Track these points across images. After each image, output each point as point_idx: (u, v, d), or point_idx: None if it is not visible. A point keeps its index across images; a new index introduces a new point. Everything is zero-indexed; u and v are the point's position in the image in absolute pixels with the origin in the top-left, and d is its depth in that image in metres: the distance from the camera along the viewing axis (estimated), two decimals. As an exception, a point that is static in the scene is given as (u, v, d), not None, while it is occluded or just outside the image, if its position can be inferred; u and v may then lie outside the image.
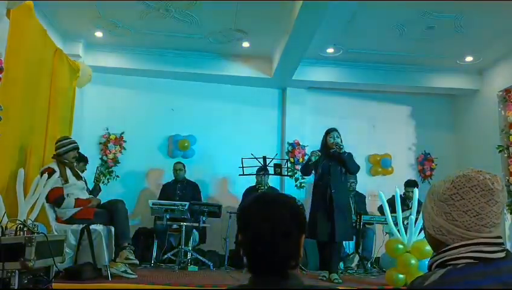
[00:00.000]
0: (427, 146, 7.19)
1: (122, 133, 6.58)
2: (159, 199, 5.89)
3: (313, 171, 4.68)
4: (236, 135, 6.67)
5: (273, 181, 6.28)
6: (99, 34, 5.84)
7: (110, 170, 6.44)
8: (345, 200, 4.63)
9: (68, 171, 4.19)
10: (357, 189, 6.12)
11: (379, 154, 7.05)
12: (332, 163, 4.54)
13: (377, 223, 5.58)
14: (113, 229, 4.16)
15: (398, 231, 4.19)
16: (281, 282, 1.15)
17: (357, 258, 5.52)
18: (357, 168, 4.73)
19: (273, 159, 5.36)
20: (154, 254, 5.29)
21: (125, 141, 6.58)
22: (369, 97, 7.19)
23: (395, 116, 7.26)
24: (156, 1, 4.95)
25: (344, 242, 5.57)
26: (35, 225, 2.71)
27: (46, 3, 4.91)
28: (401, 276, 3.97)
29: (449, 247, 1.09)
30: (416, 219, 4.12)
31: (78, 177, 4.29)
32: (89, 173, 5.31)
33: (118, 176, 6.47)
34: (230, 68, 6.55)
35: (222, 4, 4.96)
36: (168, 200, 5.50)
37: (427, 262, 1.19)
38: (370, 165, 7.10)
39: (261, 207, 1.21)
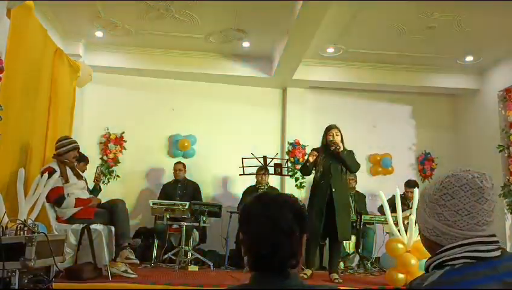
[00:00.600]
0: (428, 146, 7.20)
1: (123, 133, 6.59)
2: (159, 198, 5.89)
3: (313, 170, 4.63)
4: (236, 135, 6.67)
5: (273, 181, 6.29)
6: (99, 34, 5.85)
7: (110, 169, 6.44)
8: (345, 199, 4.60)
9: (69, 171, 4.20)
10: (357, 189, 6.12)
11: (379, 154, 7.05)
12: (332, 161, 4.48)
13: (377, 222, 5.57)
14: (113, 228, 4.16)
15: (399, 230, 4.19)
16: (282, 281, 1.16)
17: (357, 257, 5.53)
18: (357, 166, 4.63)
19: (273, 158, 5.36)
20: (155, 254, 5.29)
21: (125, 141, 6.58)
22: (369, 97, 7.19)
23: (396, 116, 7.26)
24: (156, 1, 4.95)
25: (344, 242, 5.58)
26: (35, 225, 2.71)
27: (46, 3, 4.92)
28: (401, 276, 3.97)
29: (445, 248, 1.10)
30: (416, 219, 4.11)
31: (79, 177, 4.30)
32: (89, 172, 5.32)
33: (118, 176, 6.47)
34: (231, 68, 6.55)
35: (222, 4, 4.96)
36: (169, 200, 5.50)
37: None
38: (370, 164, 7.10)
39: (263, 206, 1.21)
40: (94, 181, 4.77)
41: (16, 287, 2.29)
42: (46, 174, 3.71)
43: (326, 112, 6.84)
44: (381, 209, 5.33)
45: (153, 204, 5.21)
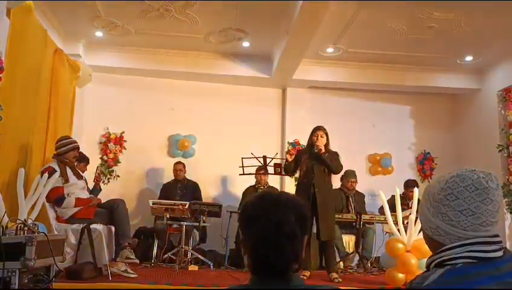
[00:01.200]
0: (427, 145, 7.20)
1: (123, 132, 6.59)
2: (159, 198, 5.88)
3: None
4: (236, 135, 6.67)
5: (273, 181, 6.29)
6: (99, 34, 5.85)
7: (110, 169, 6.44)
8: (328, 199, 4.58)
9: (69, 171, 4.20)
10: (356, 188, 6.12)
11: (379, 153, 7.06)
12: (315, 162, 4.52)
13: (376, 222, 5.58)
14: (113, 228, 4.17)
15: (398, 230, 4.19)
16: (283, 284, 1.14)
17: (357, 257, 5.52)
18: (339, 168, 4.65)
19: (273, 158, 5.36)
20: (155, 254, 5.29)
21: (125, 141, 6.59)
22: (368, 97, 7.20)
23: (395, 116, 7.26)
24: (156, 1, 4.95)
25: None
26: (35, 225, 2.71)
27: (46, 3, 4.92)
28: (401, 275, 3.97)
29: (447, 247, 1.09)
30: (416, 219, 4.12)
31: (79, 177, 4.30)
32: (89, 172, 5.32)
33: (118, 176, 6.47)
34: (230, 68, 6.55)
35: (222, 4, 4.96)
36: (169, 200, 5.50)
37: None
38: (370, 164, 7.11)
39: (265, 207, 1.17)
40: (94, 181, 4.77)
41: (16, 286, 2.29)
42: (46, 174, 3.71)
43: (326, 111, 6.85)
44: (381, 210, 5.33)
45: (153, 204, 5.21)
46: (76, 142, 4.38)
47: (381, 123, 7.17)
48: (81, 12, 5.28)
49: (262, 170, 5.58)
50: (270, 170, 5.45)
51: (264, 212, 1.16)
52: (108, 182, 6.36)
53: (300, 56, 5.80)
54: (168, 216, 5.08)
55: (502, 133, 6.20)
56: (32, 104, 4.40)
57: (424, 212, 1.18)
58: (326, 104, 7.04)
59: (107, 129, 6.56)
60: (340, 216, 5.42)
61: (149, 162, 6.66)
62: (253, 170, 5.51)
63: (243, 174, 5.41)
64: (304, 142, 6.73)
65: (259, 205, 1.19)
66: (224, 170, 6.61)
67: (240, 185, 6.16)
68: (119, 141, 6.55)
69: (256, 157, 5.29)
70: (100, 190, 4.83)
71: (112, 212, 4.19)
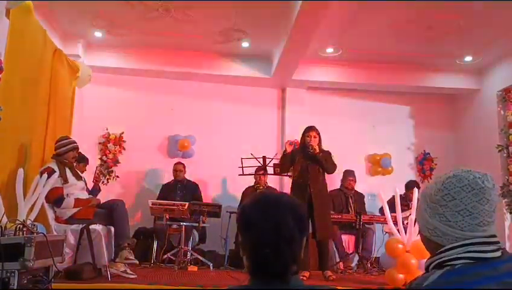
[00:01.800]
0: (427, 146, 7.20)
1: (122, 133, 6.59)
2: (158, 198, 5.88)
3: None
4: (236, 135, 6.67)
5: (272, 181, 6.28)
6: (98, 34, 5.84)
7: (110, 170, 6.43)
8: (323, 198, 4.60)
9: (68, 171, 4.20)
10: (356, 189, 6.12)
11: (379, 153, 7.05)
12: (310, 162, 4.54)
13: (376, 222, 5.58)
14: (112, 229, 4.16)
15: (398, 230, 4.19)
16: (282, 285, 1.13)
17: (356, 257, 5.52)
18: (334, 167, 4.67)
19: (272, 158, 5.36)
20: (154, 254, 5.29)
21: (124, 141, 6.58)
22: (368, 97, 7.19)
23: (395, 116, 7.26)
24: (156, 1, 4.95)
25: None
26: (34, 225, 2.71)
27: (45, 4, 4.91)
28: (400, 276, 3.97)
29: (446, 248, 1.10)
30: (416, 219, 4.11)
31: (78, 177, 4.29)
32: (89, 173, 5.31)
33: (117, 176, 6.47)
34: (230, 68, 6.55)
35: (222, 4, 4.96)
36: (168, 200, 5.49)
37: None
38: (369, 164, 7.10)
39: (264, 209, 1.16)
40: (93, 181, 4.77)
41: (15, 287, 2.28)
42: (45, 175, 3.71)
43: (326, 112, 6.85)
44: (381, 210, 5.32)
45: (152, 204, 5.20)
46: (75, 143, 4.37)
47: (380, 123, 7.16)
48: (80, 12, 5.27)
49: (261, 170, 5.58)
50: (270, 170, 5.45)
51: (262, 216, 1.15)
52: (108, 182, 6.35)
53: (299, 56, 5.80)
54: (167, 217, 5.08)
55: (502, 133, 6.19)
56: (31, 104, 4.39)
57: (422, 213, 1.19)
58: (326, 104, 7.04)
59: (107, 129, 6.56)
60: (340, 216, 5.42)
61: (149, 162, 6.66)
62: (252, 170, 5.51)
63: (243, 174, 5.40)
64: (303, 142, 6.75)
65: (258, 206, 1.18)
66: (223, 171, 6.60)
67: (240, 185, 6.14)
68: (119, 141, 6.55)
69: (256, 158, 5.29)
70: (99, 190, 4.82)
71: (111, 212, 4.18)
